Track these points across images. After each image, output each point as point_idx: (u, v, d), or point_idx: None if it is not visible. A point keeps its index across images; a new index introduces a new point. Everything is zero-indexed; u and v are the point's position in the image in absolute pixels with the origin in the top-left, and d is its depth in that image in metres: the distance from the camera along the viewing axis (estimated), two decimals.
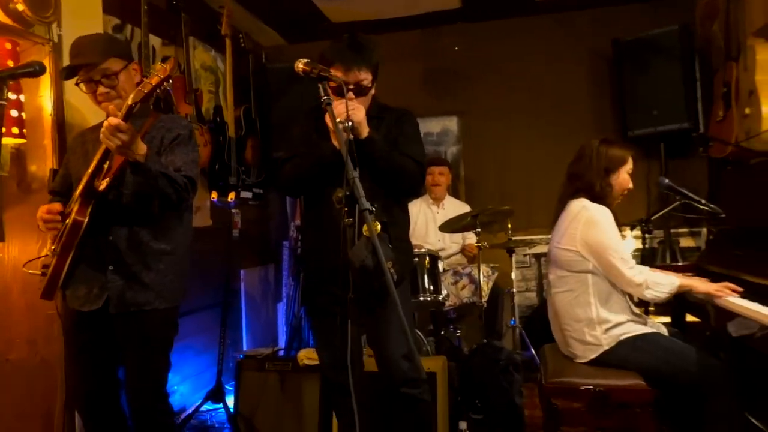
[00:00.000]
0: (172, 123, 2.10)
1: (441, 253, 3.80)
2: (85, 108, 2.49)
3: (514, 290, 3.79)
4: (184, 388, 3.45)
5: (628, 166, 2.27)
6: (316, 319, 2.18)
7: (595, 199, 2.22)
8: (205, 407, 3.13)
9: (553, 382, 2.07)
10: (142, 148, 1.83)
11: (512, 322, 3.68)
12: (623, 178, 2.26)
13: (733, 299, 2.02)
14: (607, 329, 2.13)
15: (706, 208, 2.39)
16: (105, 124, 1.79)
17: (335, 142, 1.97)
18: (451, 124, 4.56)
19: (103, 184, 1.90)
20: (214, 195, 2.74)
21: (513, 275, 3.79)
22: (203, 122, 3.46)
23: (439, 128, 4.57)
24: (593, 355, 2.13)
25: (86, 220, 1.91)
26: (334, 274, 1.80)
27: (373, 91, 2.10)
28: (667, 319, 3.01)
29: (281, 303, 4.68)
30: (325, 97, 1.68)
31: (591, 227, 2.15)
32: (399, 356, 2.01)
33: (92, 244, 1.96)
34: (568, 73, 4.28)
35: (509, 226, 3.70)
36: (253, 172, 4.08)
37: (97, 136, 1.87)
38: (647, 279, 2.10)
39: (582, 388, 2.01)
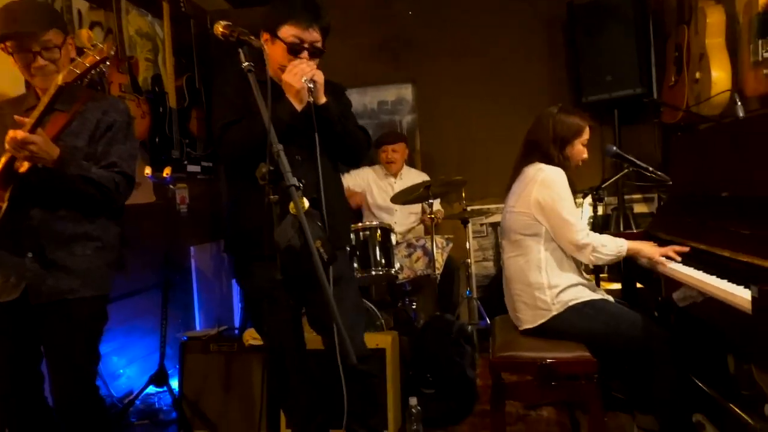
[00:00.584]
0: (108, 106, 1.94)
1: (400, 226, 3.74)
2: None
3: (470, 261, 3.75)
4: (131, 371, 3.33)
5: (584, 136, 2.25)
6: (250, 302, 2.09)
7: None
8: (153, 390, 3.03)
9: (500, 356, 2.04)
10: (54, 152, 1.71)
11: (468, 293, 3.64)
12: (578, 149, 2.25)
13: (674, 266, 2.01)
14: (558, 293, 2.11)
15: (653, 175, 2.35)
16: (9, 136, 1.66)
17: (295, 103, 1.87)
18: (406, 92, 4.44)
19: (24, 166, 1.75)
20: (148, 170, 2.58)
21: (468, 245, 3.74)
22: (140, 93, 3.26)
23: (393, 96, 4.44)
24: (541, 320, 2.11)
25: (5, 206, 1.77)
26: (265, 256, 1.70)
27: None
28: (619, 286, 3.02)
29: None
30: (246, 64, 1.55)
31: (545, 188, 2.13)
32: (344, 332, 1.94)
33: (10, 230, 1.81)
34: (522, 38, 4.19)
35: (463, 196, 3.63)
36: (199, 145, 3.90)
37: (18, 111, 1.73)
38: (593, 242, 2.09)
39: (528, 360, 1.98)
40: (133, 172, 1.96)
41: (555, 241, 2.14)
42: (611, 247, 2.12)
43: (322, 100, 1.88)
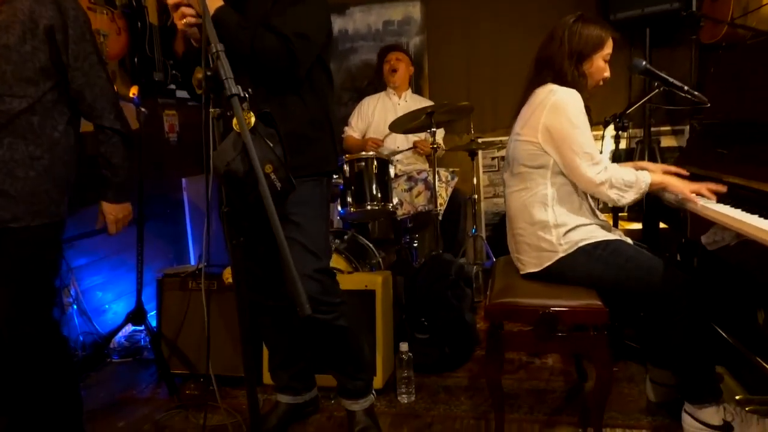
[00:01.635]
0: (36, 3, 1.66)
1: (402, 156, 3.45)
2: None
3: (477, 197, 3.46)
4: (118, 307, 3.19)
5: (606, 50, 1.89)
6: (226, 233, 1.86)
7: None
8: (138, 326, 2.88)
9: (497, 303, 1.79)
10: None
11: (473, 231, 3.38)
12: (599, 65, 1.89)
13: (707, 203, 1.71)
14: (566, 232, 1.83)
15: (688, 96, 2.01)
16: None
17: (180, 24, 1.62)
18: (414, 10, 4.02)
19: None
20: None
21: (475, 179, 3.45)
22: (113, 6, 2.94)
23: (400, 16, 4.04)
24: (547, 263, 1.84)
25: None
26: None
27: None
28: (639, 226, 2.73)
29: None
30: None
31: (555, 112, 1.80)
32: (304, 276, 1.69)
33: None
34: None
35: (471, 126, 3.31)
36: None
37: None
38: (611, 177, 1.78)
39: (529, 308, 1.73)
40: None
41: (564, 175, 1.85)
42: (632, 181, 1.81)
43: (211, 9, 1.57)
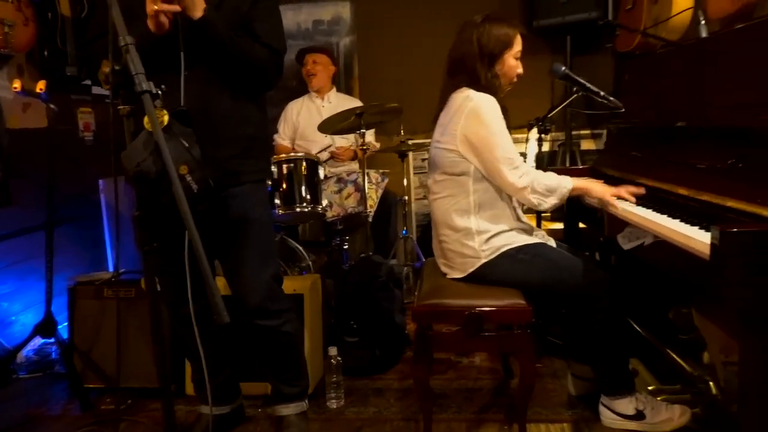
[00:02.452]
0: None
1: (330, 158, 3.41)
2: None
3: (407, 198, 3.48)
4: (27, 318, 2.97)
5: (516, 48, 1.92)
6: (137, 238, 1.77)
7: (481, 91, 1.87)
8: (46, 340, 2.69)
9: (424, 305, 1.79)
10: None
11: (404, 233, 3.39)
12: (510, 63, 1.91)
13: (627, 206, 1.78)
14: (488, 239, 1.86)
15: (604, 101, 2.09)
16: None
17: (150, 25, 1.56)
18: (344, 10, 3.99)
19: None
20: (17, 84, 2.14)
21: (405, 182, 3.46)
22: None
23: (330, 15, 4.00)
24: (471, 269, 1.86)
25: None
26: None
27: None
28: (562, 226, 2.83)
29: None
30: None
31: (473, 120, 1.81)
32: (251, 283, 1.77)
33: None
34: None
35: (401, 127, 3.32)
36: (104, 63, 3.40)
37: None
38: (533, 182, 1.81)
39: (455, 309, 1.74)
40: None
41: (487, 181, 1.86)
42: (554, 186, 1.84)
43: (196, 15, 1.55)
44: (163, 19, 1.54)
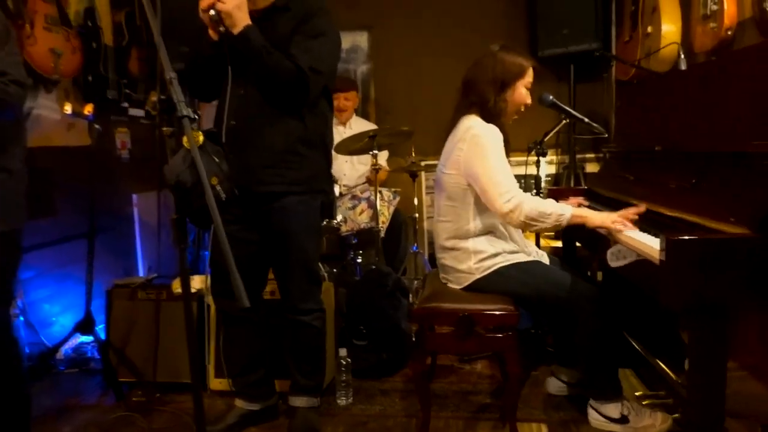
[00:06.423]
0: None
1: (349, 179, 3.65)
2: None
3: (418, 216, 3.69)
4: (65, 320, 3.23)
5: (527, 78, 2.07)
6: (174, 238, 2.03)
7: (488, 116, 2.03)
8: (86, 339, 2.94)
9: (422, 307, 2.00)
10: None
11: (414, 248, 3.60)
12: (520, 93, 2.06)
13: (627, 231, 1.79)
14: (482, 259, 2.04)
15: (589, 127, 2.29)
16: None
17: (211, 34, 1.84)
18: (362, 40, 4.28)
19: None
20: (68, 107, 2.42)
21: (416, 200, 3.68)
22: (69, 26, 3.05)
23: (348, 44, 4.27)
24: (466, 283, 2.06)
25: None
26: None
27: None
28: (560, 244, 3.00)
29: None
30: None
31: (475, 149, 1.96)
32: (292, 290, 2.07)
33: None
34: None
35: (413, 149, 3.54)
36: (140, 87, 3.72)
37: None
38: (521, 205, 1.88)
39: (448, 311, 1.94)
40: (25, 77, 1.84)
41: (488, 209, 2.01)
42: (548, 212, 1.90)
43: (236, 29, 1.79)
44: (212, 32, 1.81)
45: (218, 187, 1.35)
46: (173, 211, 1.41)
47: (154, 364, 2.54)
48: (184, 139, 1.34)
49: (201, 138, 1.36)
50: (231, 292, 1.90)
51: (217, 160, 1.41)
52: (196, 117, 1.35)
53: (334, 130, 3.75)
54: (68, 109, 2.42)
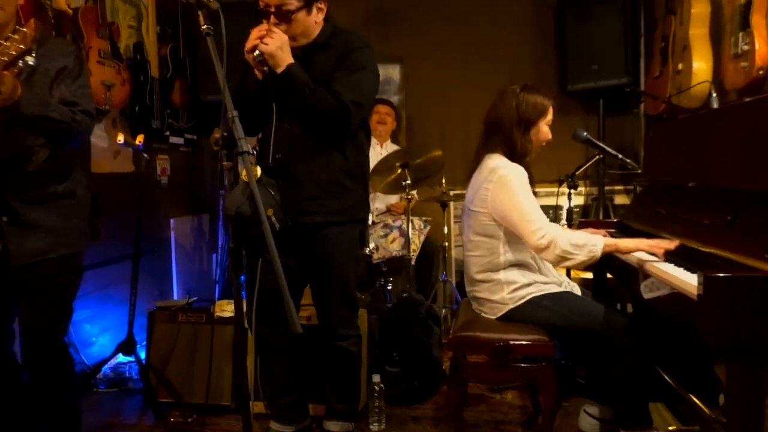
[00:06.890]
0: (52, 51, 1.92)
1: (380, 203, 3.74)
2: None
3: (447, 244, 3.75)
4: (105, 340, 3.34)
5: (549, 116, 2.15)
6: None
7: (514, 156, 2.10)
8: (123, 359, 3.04)
9: (458, 336, 2.04)
10: (16, 93, 1.70)
11: (443, 276, 3.65)
12: (543, 130, 2.14)
13: (657, 264, 1.83)
14: (514, 290, 2.07)
15: (622, 162, 2.34)
16: None
17: (256, 73, 1.94)
18: (394, 72, 4.41)
19: None
20: (121, 137, 2.56)
21: (446, 228, 3.74)
22: (120, 59, 3.23)
23: (381, 76, 4.37)
24: (500, 313, 2.09)
25: None
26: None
27: (310, 18, 2.01)
28: (591, 276, 3.03)
29: (216, 254, 4.56)
30: (204, 27, 1.53)
31: (503, 189, 2.01)
32: (330, 317, 2.13)
33: None
34: (511, 21, 4.17)
35: (443, 178, 3.62)
36: (182, 116, 3.88)
37: None
38: (555, 240, 1.92)
39: (485, 341, 1.98)
40: (93, 108, 1.98)
41: (515, 241, 2.06)
42: (581, 244, 1.92)
43: (279, 68, 1.89)
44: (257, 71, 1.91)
45: (273, 218, 1.44)
46: (229, 240, 1.50)
47: (189, 385, 2.62)
48: (243, 173, 1.43)
49: (258, 172, 1.45)
50: (270, 318, 1.99)
51: (272, 192, 1.50)
52: (254, 152, 1.45)
53: (373, 150, 3.90)
54: (121, 138, 2.56)
